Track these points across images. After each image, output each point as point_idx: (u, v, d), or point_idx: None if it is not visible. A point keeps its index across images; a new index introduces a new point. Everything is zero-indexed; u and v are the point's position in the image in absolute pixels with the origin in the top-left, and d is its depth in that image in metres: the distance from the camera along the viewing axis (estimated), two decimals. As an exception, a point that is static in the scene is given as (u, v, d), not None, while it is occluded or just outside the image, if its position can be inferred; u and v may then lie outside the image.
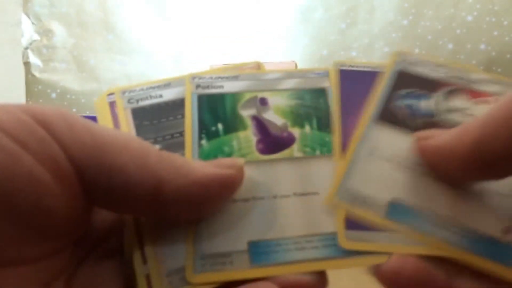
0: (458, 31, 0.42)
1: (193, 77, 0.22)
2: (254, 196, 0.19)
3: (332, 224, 0.18)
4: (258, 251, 0.18)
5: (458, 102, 0.21)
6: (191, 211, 0.18)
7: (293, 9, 0.45)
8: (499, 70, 0.40)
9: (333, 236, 0.18)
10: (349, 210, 0.18)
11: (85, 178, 0.16)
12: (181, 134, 0.21)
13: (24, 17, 0.45)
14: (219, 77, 0.22)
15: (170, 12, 0.46)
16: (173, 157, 0.17)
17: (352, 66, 0.22)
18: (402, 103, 0.21)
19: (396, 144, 0.20)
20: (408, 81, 0.22)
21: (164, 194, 0.17)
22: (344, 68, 0.22)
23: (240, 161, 0.19)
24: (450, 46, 0.41)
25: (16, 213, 0.14)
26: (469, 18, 0.42)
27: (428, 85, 0.21)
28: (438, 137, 0.18)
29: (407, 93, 0.21)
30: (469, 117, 0.20)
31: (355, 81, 0.22)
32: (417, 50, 0.42)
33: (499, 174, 0.17)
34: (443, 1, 0.43)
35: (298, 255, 0.18)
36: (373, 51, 0.43)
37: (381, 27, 0.43)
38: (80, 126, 0.16)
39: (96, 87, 0.45)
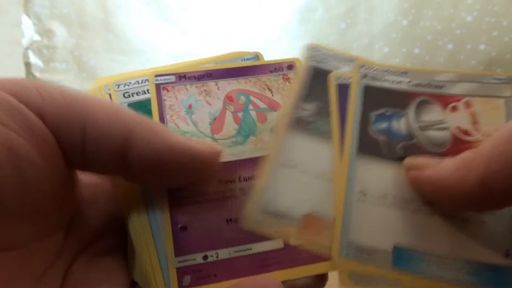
0: (458, 32, 0.42)
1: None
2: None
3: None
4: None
5: (431, 115, 0.20)
6: (157, 176, 0.18)
7: (293, 10, 0.45)
8: (498, 70, 0.40)
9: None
10: (356, 268, 0.18)
11: (60, 136, 0.16)
12: None
13: (24, 18, 0.45)
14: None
15: (170, 13, 0.46)
16: (149, 120, 0.17)
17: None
18: (376, 129, 0.20)
19: (382, 180, 0.19)
20: (376, 98, 0.21)
21: (133, 150, 0.16)
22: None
23: (219, 147, 0.19)
24: (450, 46, 0.42)
25: None
26: (469, 18, 0.42)
27: (397, 100, 0.21)
28: (433, 169, 0.18)
29: (378, 116, 0.21)
30: (445, 130, 0.20)
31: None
32: (417, 50, 0.42)
33: (506, 205, 0.17)
34: (443, 1, 0.43)
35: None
36: (373, 52, 0.43)
37: (381, 28, 0.43)
38: (49, 87, 0.16)
39: (96, 87, 0.45)
